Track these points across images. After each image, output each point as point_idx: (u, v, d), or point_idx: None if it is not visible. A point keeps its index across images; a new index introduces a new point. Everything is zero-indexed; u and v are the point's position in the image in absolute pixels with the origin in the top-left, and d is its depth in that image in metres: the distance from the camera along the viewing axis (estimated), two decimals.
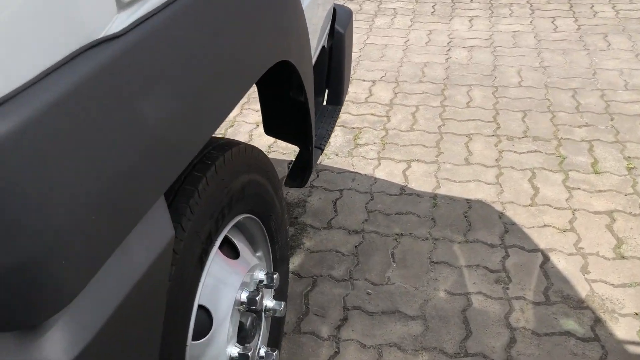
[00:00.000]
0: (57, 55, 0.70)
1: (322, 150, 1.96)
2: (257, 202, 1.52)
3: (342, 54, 2.14)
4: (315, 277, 2.25)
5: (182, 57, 0.94)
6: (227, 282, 1.36)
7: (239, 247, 1.46)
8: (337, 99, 2.20)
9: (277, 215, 1.68)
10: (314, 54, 1.96)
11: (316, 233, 2.47)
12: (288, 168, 2.00)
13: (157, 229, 0.90)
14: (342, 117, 3.39)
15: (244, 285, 1.41)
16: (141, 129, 0.83)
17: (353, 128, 3.29)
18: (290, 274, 2.24)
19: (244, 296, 1.37)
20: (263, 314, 1.55)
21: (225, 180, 1.29)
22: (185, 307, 1.19)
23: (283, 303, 1.55)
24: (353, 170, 2.90)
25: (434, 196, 2.69)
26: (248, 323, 1.44)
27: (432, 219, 2.54)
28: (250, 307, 1.37)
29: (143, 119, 0.83)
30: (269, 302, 1.55)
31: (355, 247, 2.39)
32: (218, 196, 1.26)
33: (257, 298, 1.36)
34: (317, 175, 2.85)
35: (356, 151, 3.07)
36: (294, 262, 2.32)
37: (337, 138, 3.18)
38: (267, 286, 1.49)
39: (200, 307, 1.28)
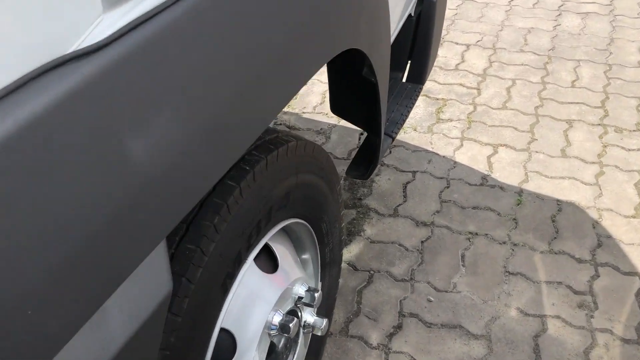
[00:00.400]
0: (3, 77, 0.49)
1: (393, 138, 1.69)
2: (306, 205, 1.31)
3: (430, 25, 1.83)
4: (372, 272, 2.04)
5: (197, 66, 0.71)
6: (258, 301, 1.17)
7: (278, 257, 1.26)
8: (419, 77, 1.90)
9: (330, 216, 1.46)
10: (396, 27, 1.67)
11: (380, 220, 2.24)
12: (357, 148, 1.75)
13: (150, 284, 0.71)
14: (427, 85, 3.07)
15: (280, 303, 1.21)
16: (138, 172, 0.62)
17: (437, 99, 2.96)
18: (345, 264, 2.04)
19: (276, 319, 1.18)
20: (301, 331, 1.36)
21: (265, 188, 1.08)
22: (204, 332, 1.02)
23: (325, 321, 1.36)
24: (431, 149, 2.61)
25: (520, 192, 2.36)
26: (280, 345, 1.26)
27: (514, 219, 2.23)
28: (283, 333, 1.18)
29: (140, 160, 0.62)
30: (309, 317, 1.36)
31: (422, 242, 2.15)
32: (254, 208, 1.05)
33: (290, 325, 1.17)
34: (390, 152, 2.59)
35: (437, 127, 2.76)
36: (351, 251, 2.11)
37: (418, 109, 2.88)
38: (306, 304, 1.30)
39: (223, 330, 1.10)
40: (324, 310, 1.59)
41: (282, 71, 0.93)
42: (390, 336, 1.83)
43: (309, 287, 1.30)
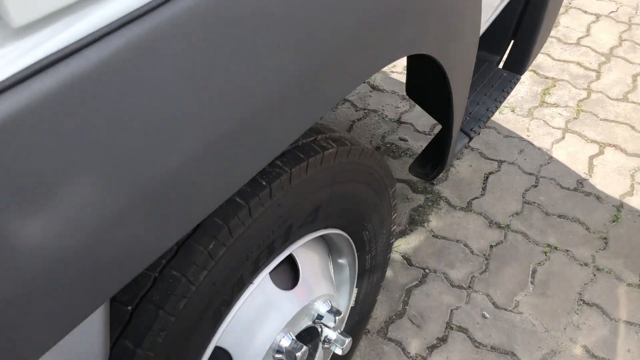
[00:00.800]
0: None
1: (471, 137, 1.45)
2: (343, 217, 1.14)
3: (543, 5, 1.52)
4: (427, 271, 1.85)
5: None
6: (267, 320, 1.04)
7: (300, 271, 1.11)
8: (518, 65, 1.61)
9: (375, 224, 1.28)
10: (495, 10, 1.39)
11: (449, 212, 2.02)
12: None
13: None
14: (538, 58, 2.70)
15: (294, 322, 1.08)
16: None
17: (546, 78, 2.60)
18: (399, 256, 1.87)
19: (284, 343, 1.06)
20: (320, 345, 1.23)
21: (284, 206, 0.92)
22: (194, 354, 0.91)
23: (348, 340, 1.21)
24: (526, 137, 2.31)
25: (619, 206, 2.04)
26: None
27: (605, 238, 1.94)
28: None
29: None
30: (330, 333, 1.22)
31: (491, 246, 1.92)
32: (266, 229, 0.90)
33: (297, 354, 1.04)
34: (478, 133, 2.32)
35: (539, 111, 2.43)
36: (409, 243, 1.93)
37: (522, 87, 2.54)
38: (325, 325, 1.16)
39: (219, 348, 0.99)
40: (358, 315, 1.45)
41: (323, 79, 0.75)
42: (432, 348, 1.67)
43: (331, 307, 1.16)
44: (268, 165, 0.91)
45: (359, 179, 1.13)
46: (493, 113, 1.50)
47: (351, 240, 1.25)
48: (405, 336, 1.70)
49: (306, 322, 1.14)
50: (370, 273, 1.40)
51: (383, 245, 1.39)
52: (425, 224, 1.99)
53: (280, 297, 1.06)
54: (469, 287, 1.81)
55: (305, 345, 1.24)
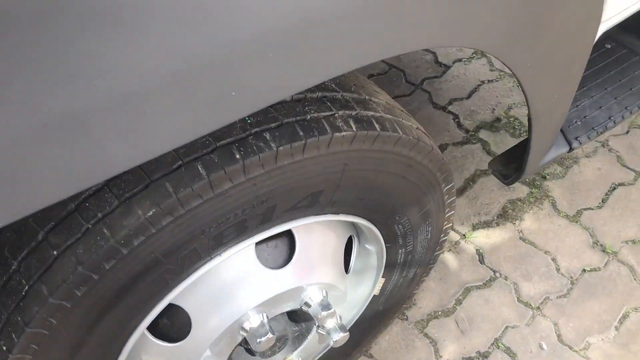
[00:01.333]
0: None
1: (572, 148, 1.16)
2: (361, 206, 0.99)
3: None
4: (496, 275, 1.62)
5: None
6: (238, 294, 0.95)
7: (296, 252, 0.99)
8: None
9: (413, 219, 1.10)
10: None
11: (550, 216, 1.73)
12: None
13: None
14: None
15: (273, 304, 0.98)
16: None
17: None
18: (473, 248, 1.66)
19: (253, 322, 0.96)
20: (315, 328, 1.12)
21: (261, 186, 0.79)
22: None
23: (344, 335, 1.09)
24: None
25: None
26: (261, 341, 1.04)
27: None
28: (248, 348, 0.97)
29: None
30: (329, 322, 1.09)
31: (584, 270, 1.62)
32: (232, 206, 0.79)
33: (260, 339, 0.94)
34: (583, 144, 1.92)
35: None
36: (489, 237, 1.69)
37: None
38: (310, 318, 1.04)
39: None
40: (383, 305, 1.31)
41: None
42: None
43: (323, 298, 1.03)
44: (252, 137, 0.77)
45: (389, 169, 0.95)
46: (615, 124, 1.18)
47: (376, 231, 1.09)
48: (444, 337, 1.52)
49: (291, 307, 1.03)
50: (403, 267, 1.24)
51: (426, 242, 1.21)
52: (517, 222, 1.72)
53: (262, 275, 0.96)
54: (538, 308, 1.56)
55: (296, 324, 1.14)
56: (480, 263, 1.65)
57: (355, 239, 1.18)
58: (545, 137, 1.04)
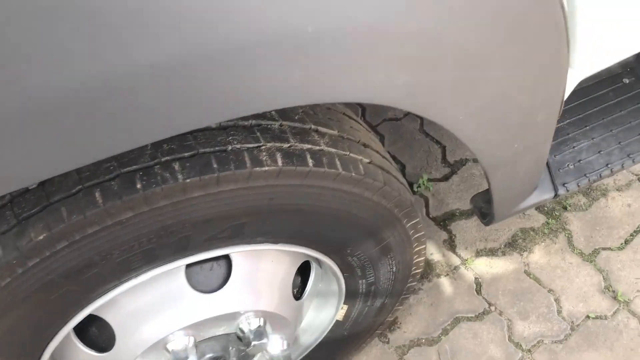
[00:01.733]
0: None
1: (557, 195, 1.05)
2: (299, 236, 0.94)
3: None
4: (491, 309, 1.52)
5: None
6: (164, 314, 0.93)
7: (231, 277, 0.96)
8: None
9: (370, 253, 1.04)
10: None
11: (562, 252, 1.60)
12: None
13: None
14: None
15: (203, 327, 0.96)
16: None
17: None
18: (472, 276, 1.57)
19: (178, 344, 0.94)
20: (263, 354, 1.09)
21: (168, 216, 0.76)
22: None
23: (286, 354, 1.05)
24: None
25: None
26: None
27: None
28: None
29: None
30: (273, 348, 1.06)
31: (588, 317, 1.49)
32: (135, 235, 0.76)
33: None
34: (570, 192, 1.73)
35: None
36: (492, 267, 1.59)
37: None
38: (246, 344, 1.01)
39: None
40: (347, 331, 1.26)
41: None
42: None
43: (258, 327, 0.99)
44: (160, 166, 0.74)
45: (329, 205, 0.89)
46: (612, 173, 1.05)
47: (329, 261, 1.03)
48: None
49: (225, 331, 1.00)
50: (367, 297, 1.18)
51: (391, 275, 1.14)
52: (525, 254, 1.61)
53: (191, 297, 0.93)
54: (529, 350, 1.45)
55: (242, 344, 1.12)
56: (477, 293, 1.55)
57: (315, 263, 1.13)
58: (514, 184, 0.94)
